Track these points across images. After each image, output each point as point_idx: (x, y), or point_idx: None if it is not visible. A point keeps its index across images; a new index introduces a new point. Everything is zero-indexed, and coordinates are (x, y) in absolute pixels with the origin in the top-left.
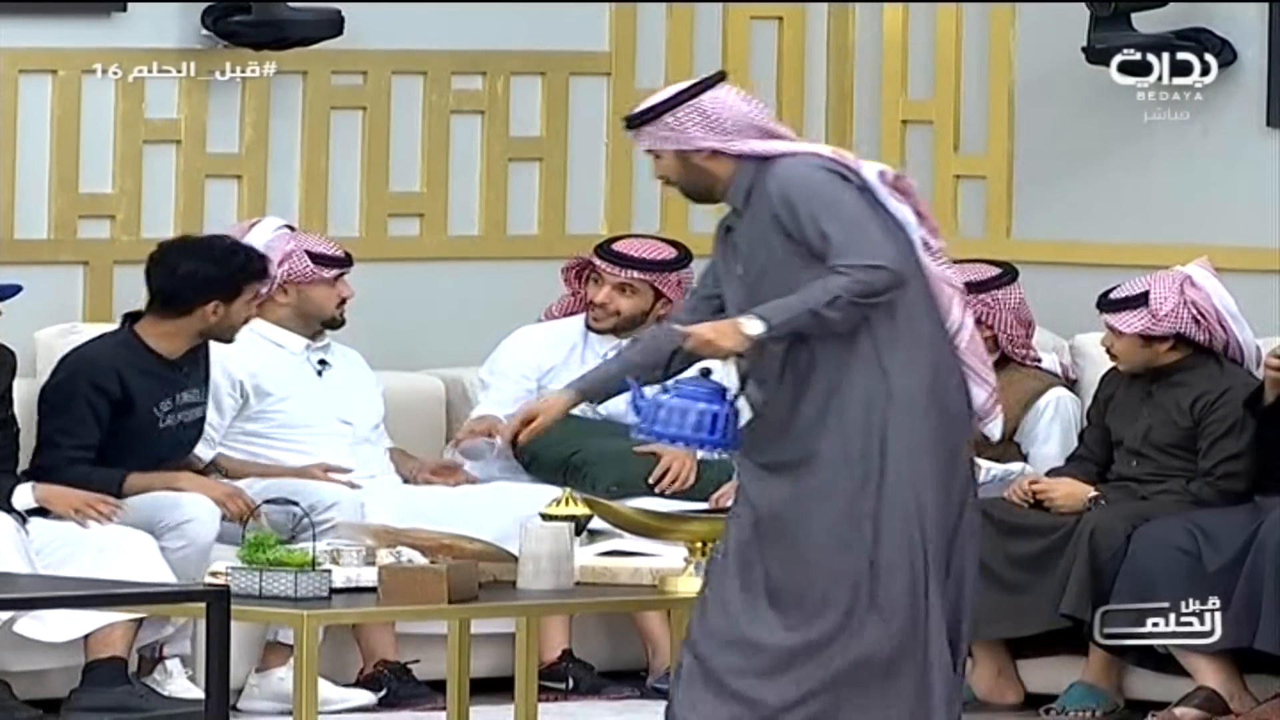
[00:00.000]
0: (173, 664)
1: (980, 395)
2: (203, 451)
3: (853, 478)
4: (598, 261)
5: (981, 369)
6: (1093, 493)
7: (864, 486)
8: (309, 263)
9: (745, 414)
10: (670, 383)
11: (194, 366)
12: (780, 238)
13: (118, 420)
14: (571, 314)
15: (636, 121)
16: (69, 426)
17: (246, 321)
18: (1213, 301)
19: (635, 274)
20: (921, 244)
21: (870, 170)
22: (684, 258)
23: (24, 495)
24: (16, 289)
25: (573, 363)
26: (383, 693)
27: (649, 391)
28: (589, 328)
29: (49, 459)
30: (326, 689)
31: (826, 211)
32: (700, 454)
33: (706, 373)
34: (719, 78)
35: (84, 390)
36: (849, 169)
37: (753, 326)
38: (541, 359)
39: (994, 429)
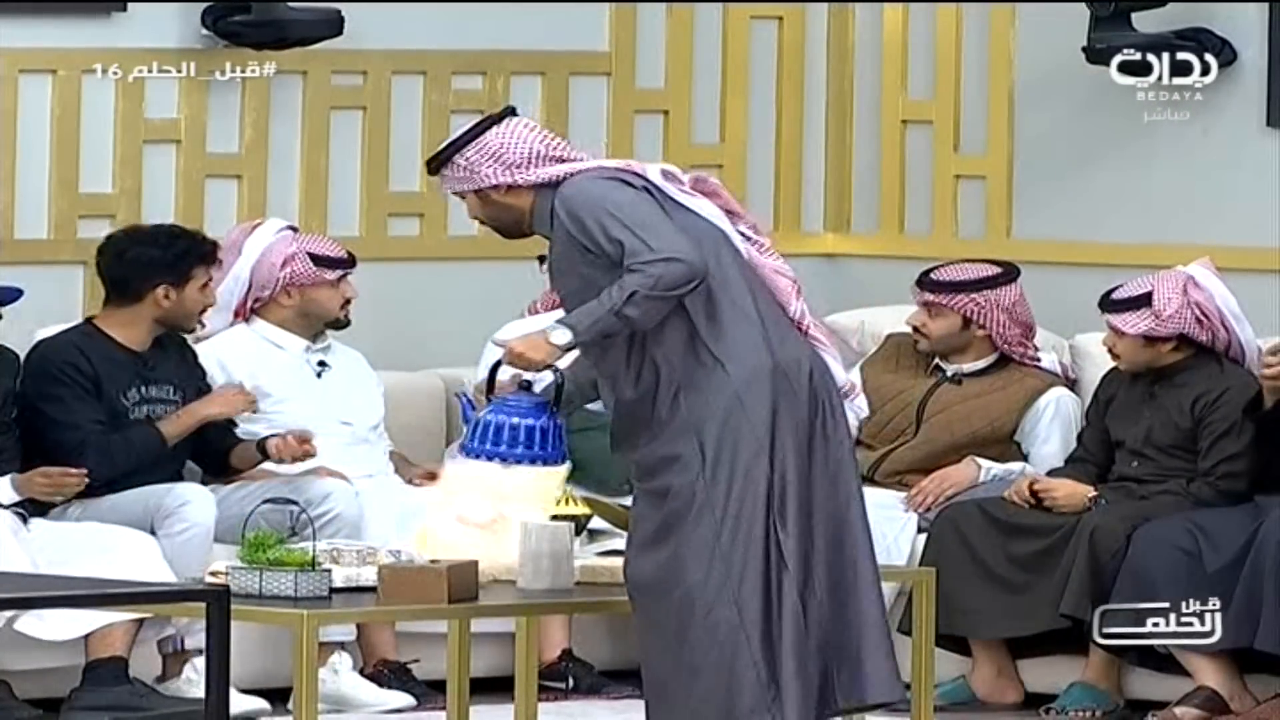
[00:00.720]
0: (201, 663)
1: (841, 375)
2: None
3: (706, 471)
4: None
5: (834, 353)
6: (1092, 493)
7: (716, 478)
8: (311, 264)
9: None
10: (493, 399)
11: (162, 362)
12: (580, 254)
13: None
14: (555, 308)
15: (433, 168)
16: (72, 405)
17: (205, 310)
18: (1215, 302)
19: None
20: (742, 237)
21: (654, 171)
22: None
23: (5, 489)
24: (18, 293)
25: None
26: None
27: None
28: None
29: (74, 441)
30: (367, 691)
31: (612, 218)
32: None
33: (527, 386)
34: (506, 112)
35: (59, 373)
36: (633, 174)
37: (559, 336)
38: None
39: (860, 405)
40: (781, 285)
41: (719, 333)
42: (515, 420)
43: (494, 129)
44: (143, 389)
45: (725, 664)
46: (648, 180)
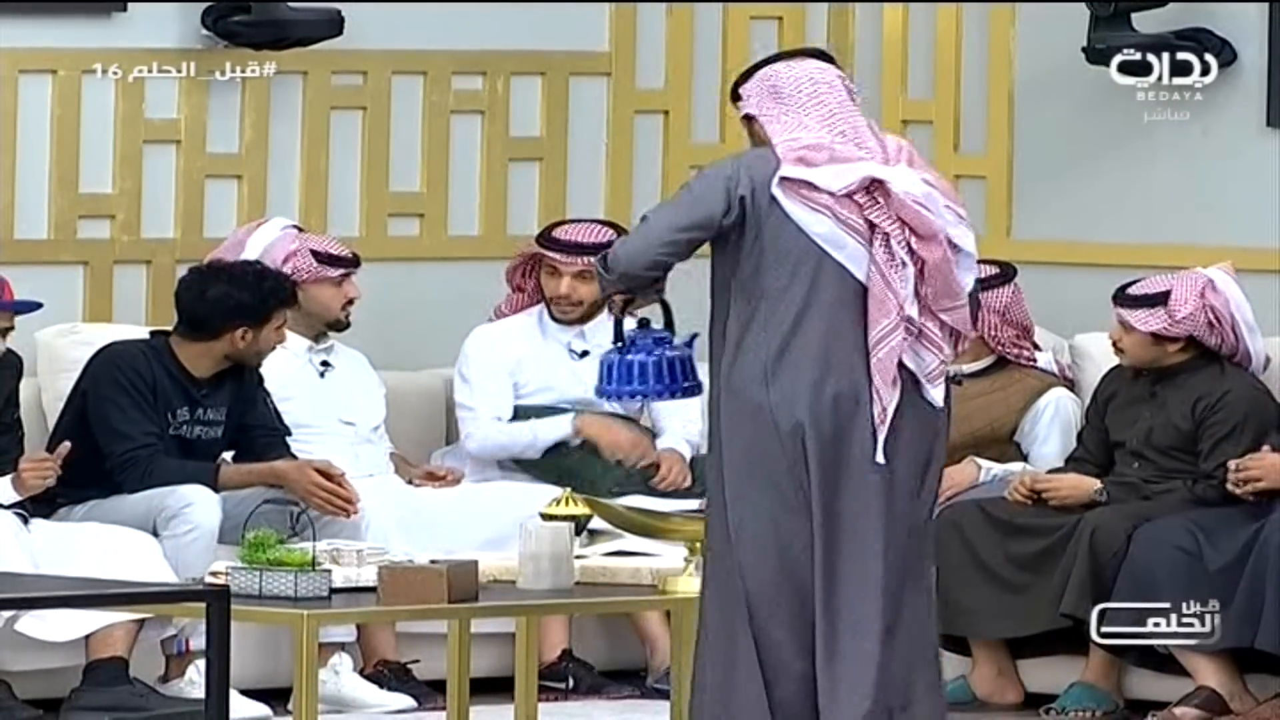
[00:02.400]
0: (204, 663)
1: (881, 408)
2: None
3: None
4: (551, 254)
5: (884, 388)
6: (1098, 484)
7: (708, 496)
8: (313, 261)
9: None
10: (620, 344)
11: (217, 389)
12: None
13: None
14: (520, 309)
15: (735, 91)
16: (131, 414)
17: (273, 348)
18: (1230, 309)
19: (591, 259)
20: (884, 251)
21: (793, 171)
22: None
23: (5, 490)
24: (37, 306)
25: (539, 351)
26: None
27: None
28: (554, 319)
29: (127, 449)
30: (367, 692)
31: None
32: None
33: (645, 323)
34: (812, 51)
35: (124, 379)
36: (769, 163)
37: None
38: (507, 353)
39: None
40: (882, 306)
41: (733, 359)
42: (643, 358)
43: (784, 62)
44: (193, 411)
45: (721, 672)
46: (772, 181)
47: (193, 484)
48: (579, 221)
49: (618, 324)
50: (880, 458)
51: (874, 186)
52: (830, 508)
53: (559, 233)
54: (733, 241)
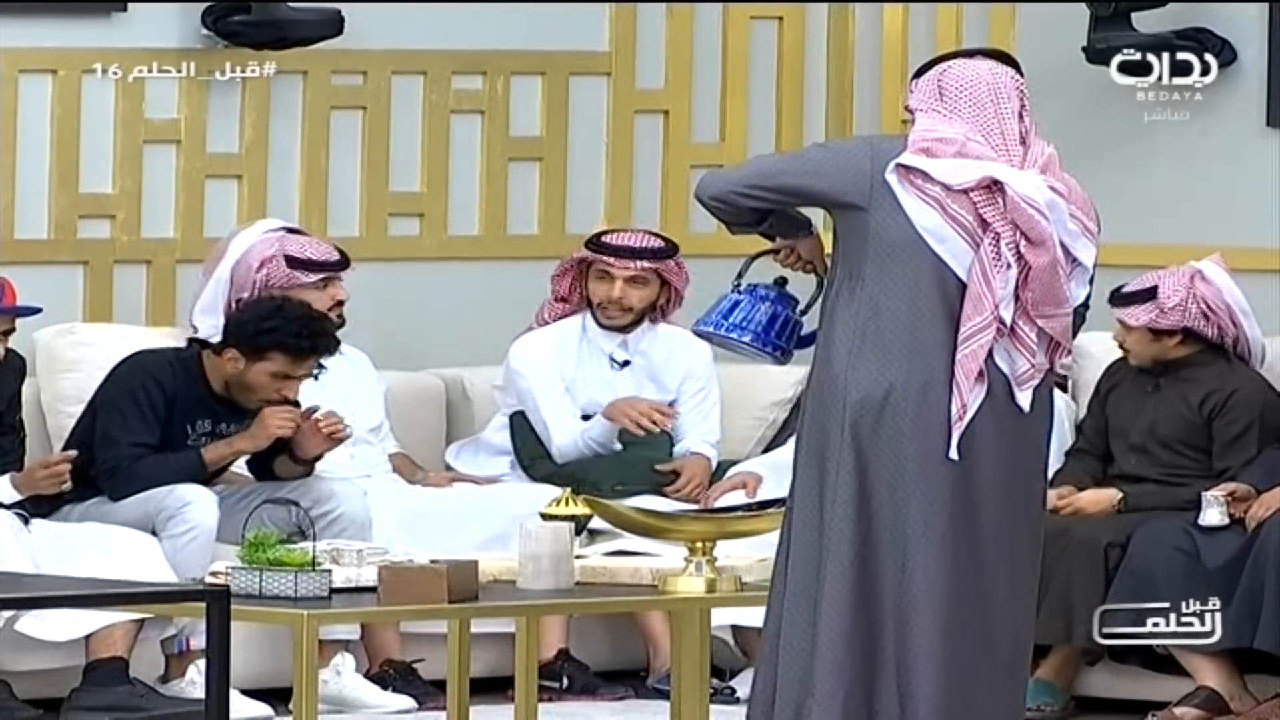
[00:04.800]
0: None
1: (959, 403)
2: None
3: None
4: (604, 257)
5: (965, 383)
6: (1119, 495)
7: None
8: (284, 267)
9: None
10: (738, 282)
11: (229, 410)
12: None
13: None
14: (562, 318)
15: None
16: (128, 423)
17: (271, 397)
18: (1223, 297)
19: (644, 264)
20: (992, 250)
21: (914, 159)
22: (673, 245)
23: (5, 489)
24: (36, 310)
25: (581, 360)
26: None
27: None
28: (601, 325)
29: (112, 456)
30: (368, 692)
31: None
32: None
33: (782, 282)
34: (993, 53)
35: (138, 388)
36: (896, 150)
37: None
38: (556, 359)
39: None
40: (977, 301)
41: (824, 331)
42: (751, 304)
43: (960, 60)
44: (214, 424)
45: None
46: (892, 176)
47: (181, 477)
48: (627, 230)
49: (744, 266)
50: (954, 453)
51: (993, 186)
52: (892, 499)
53: (609, 238)
54: (841, 216)
